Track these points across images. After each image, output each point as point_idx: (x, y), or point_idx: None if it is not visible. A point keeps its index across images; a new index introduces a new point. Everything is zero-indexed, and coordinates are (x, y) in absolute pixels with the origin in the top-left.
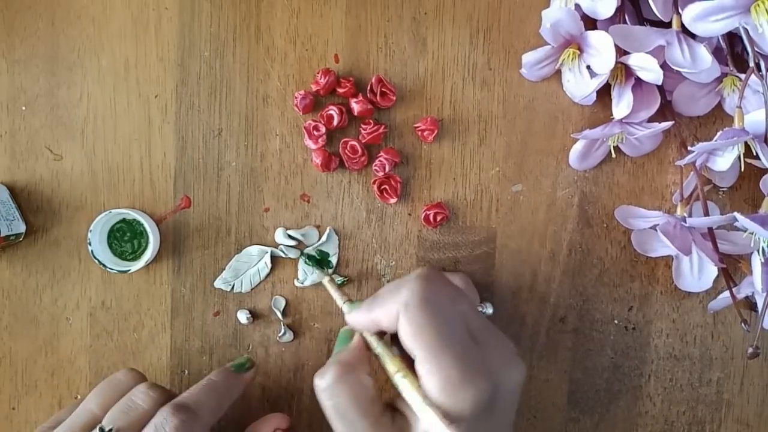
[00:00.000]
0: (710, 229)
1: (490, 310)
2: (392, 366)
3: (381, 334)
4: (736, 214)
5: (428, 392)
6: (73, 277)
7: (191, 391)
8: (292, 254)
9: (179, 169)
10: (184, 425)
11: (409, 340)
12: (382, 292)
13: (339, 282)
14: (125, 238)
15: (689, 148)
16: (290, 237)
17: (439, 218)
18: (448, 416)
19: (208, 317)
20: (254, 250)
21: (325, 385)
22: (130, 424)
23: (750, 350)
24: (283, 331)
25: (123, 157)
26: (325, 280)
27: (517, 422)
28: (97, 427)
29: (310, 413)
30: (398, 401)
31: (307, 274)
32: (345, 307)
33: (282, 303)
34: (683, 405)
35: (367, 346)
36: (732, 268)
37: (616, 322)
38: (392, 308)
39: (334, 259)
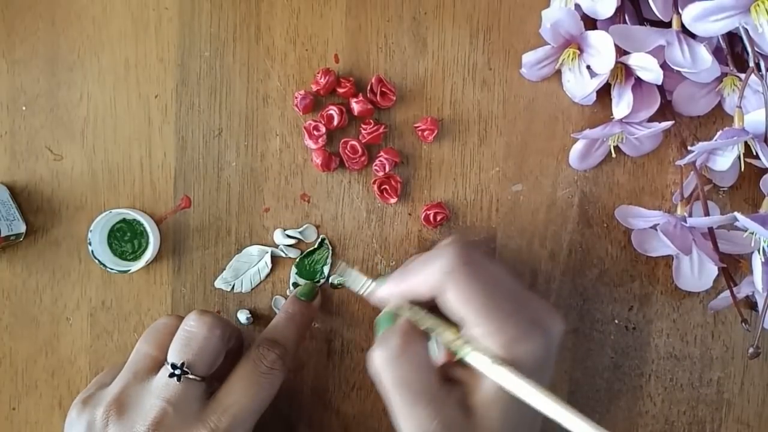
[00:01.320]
0: (710, 229)
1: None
2: (449, 334)
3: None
4: (737, 214)
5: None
6: (74, 277)
7: (276, 326)
8: (293, 254)
9: (179, 169)
10: (280, 360)
11: (459, 305)
12: (412, 265)
13: (338, 282)
14: (125, 238)
15: (689, 147)
16: (289, 237)
17: (439, 218)
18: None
19: None
20: (254, 250)
21: (389, 356)
22: (197, 355)
23: (751, 350)
24: None
25: (123, 157)
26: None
27: None
28: (167, 365)
29: (310, 413)
30: (453, 371)
31: (299, 282)
32: (373, 285)
33: (282, 303)
34: (684, 405)
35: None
36: (732, 268)
37: (616, 321)
38: (432, 277)
39: (326, 269)
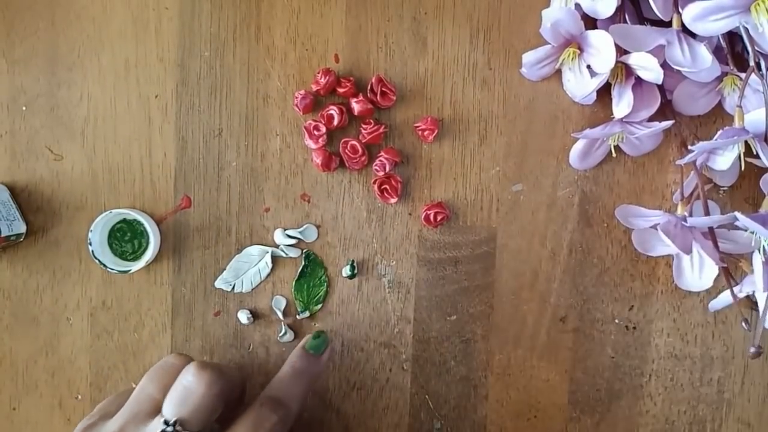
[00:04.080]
0: (711, 229)
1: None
2: None
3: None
4: (737, 214)
5: None
6: (74, 278)
7: (280, 382)
8: (293, 253)
9: (179, 169)
10: (281, 423)
11: None
12: None
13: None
14: (126, 238)
15: (690, 147)
16: (289, 236)
17: (439, 218)
18: None
19: (208, 317)
20: (255, 250)
21: None
22: (192, 413)
23: (752, 350)
24: (283, 331)
25: (123, 157)
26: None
27: (518, 422)
28: (161, 420)
29: (311, 413)
30: None
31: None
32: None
33: (283, 303)
34: (684, 404)
35: None
36: (732, 267)
37: (616, 321)
38: None
39: (323, 289)
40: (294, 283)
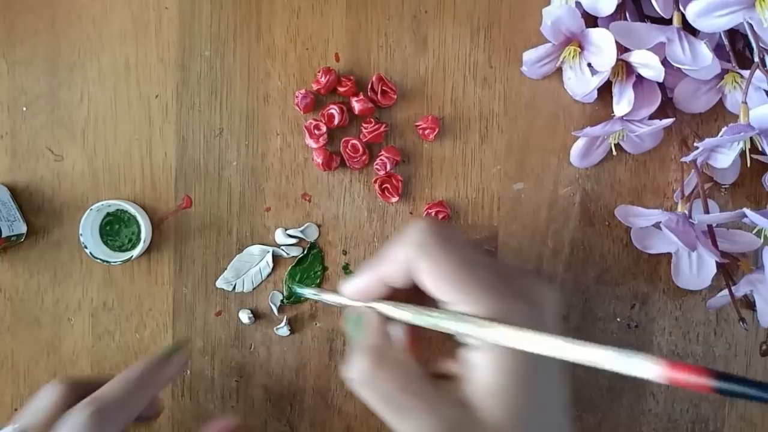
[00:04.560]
0: (710, 227)
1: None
2: (428, 317)
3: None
4: (746, 210)
5: None
6: (75, 278)
7: (107, 386)
8: (294, 252)
9: (180, 169)
10: (95, 425)
11: (434, 279)
12: (381, 250)
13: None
14: (116, 230)
15: (695, 144)
16: (290, 236)
17: (440, 217)
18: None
19: (209, 317)
20: (256, 249)
21: (363, 376)
22: (36, 423)
23: (764, 347)
24: (282, 324)
25: (124, 157)
26: (311, 295)
27: None
28: (8, 428)
29: (312, 413)
30: (439, 365)
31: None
32: (341, 285)
33: (278, 298)
34: (686, 403)
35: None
36: (732, 267)
37: (618, 320)
38: (403, 254)
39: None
40: (289, 268)
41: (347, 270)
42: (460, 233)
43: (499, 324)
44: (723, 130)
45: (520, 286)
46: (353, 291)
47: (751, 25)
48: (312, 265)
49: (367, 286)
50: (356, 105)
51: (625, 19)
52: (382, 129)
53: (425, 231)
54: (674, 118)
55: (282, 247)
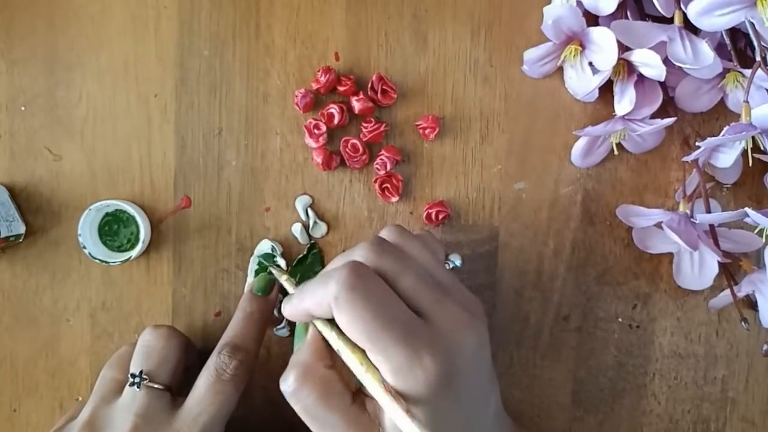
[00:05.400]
0: (712, 227)
1: (458, 262)
2: (352, 359)
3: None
4: (747, 210)
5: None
6: (74, 278)
7: (235, 329)
8: (304, 240)
9: (179, 168)
10: (242, 365)
11: (349, 332)
12: (308, 284)
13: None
14: (115, 230)
15: (697, 143)
16: (308, 214)
17: (441, 216)
18: (408, 400)
19: (209, 318)
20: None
21: (289, 389)
22: (156, 364)
23: (766, 347)
24: (282, 324)
25: (123, 157)
26: (280, 278)
27: (521, 421)
28: (128, 375)
29: None
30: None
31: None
32: (283, 304)
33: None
34: (688, 403)
35: (324, 338)
36: (733, 267)
37: (620, 320)
38: (323, 300)
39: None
40: (290, 268)
41: None
42: (381, 282)
43: (396, 405)
44: (725, 129)
45: (436, 333)
46: (287, 314)
47: (752, 24)
48: (312, 265)
49: (295, 313)
50: (356, 104)
51: (627, 17)
52: (382, 128)
53: (340, 284)
54: (676, 118)
55: (294, 232)
